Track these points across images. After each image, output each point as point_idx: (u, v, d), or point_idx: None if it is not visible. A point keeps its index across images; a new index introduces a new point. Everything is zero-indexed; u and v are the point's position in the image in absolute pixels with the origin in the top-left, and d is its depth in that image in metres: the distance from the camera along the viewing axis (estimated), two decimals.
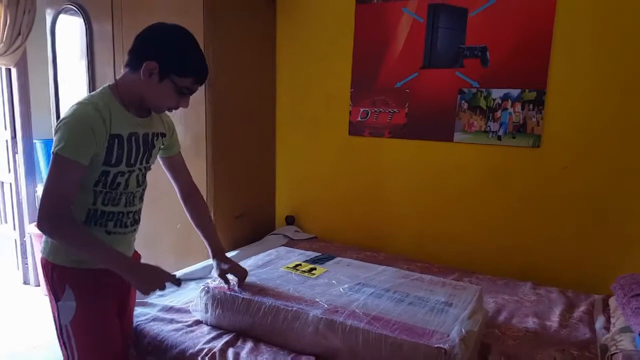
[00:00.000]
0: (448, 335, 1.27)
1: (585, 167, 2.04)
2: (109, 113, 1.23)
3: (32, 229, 3.23)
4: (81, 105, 1.22)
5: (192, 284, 1.86)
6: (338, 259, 1.90)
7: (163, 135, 1.43)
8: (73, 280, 1.28)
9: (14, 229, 3.40)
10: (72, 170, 1.18)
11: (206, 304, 1.56)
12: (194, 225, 1.60)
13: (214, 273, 1.61)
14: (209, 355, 1.39)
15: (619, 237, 2.01)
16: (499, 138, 2.19)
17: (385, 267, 1.82)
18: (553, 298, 1.88)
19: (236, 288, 1.55)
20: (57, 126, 1.20)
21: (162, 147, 1.46)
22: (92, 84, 2.68)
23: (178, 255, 2.44)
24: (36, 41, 3.06)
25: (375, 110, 2.47)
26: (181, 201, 1.60)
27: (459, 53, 2.22)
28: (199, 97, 2.19)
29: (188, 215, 1.60)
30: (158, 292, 1.34)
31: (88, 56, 2.66)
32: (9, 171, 3.35)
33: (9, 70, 3.17)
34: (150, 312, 1.63)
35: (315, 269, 1.75)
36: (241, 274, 1.58)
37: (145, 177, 1.41)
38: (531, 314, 1.72)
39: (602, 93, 1.97)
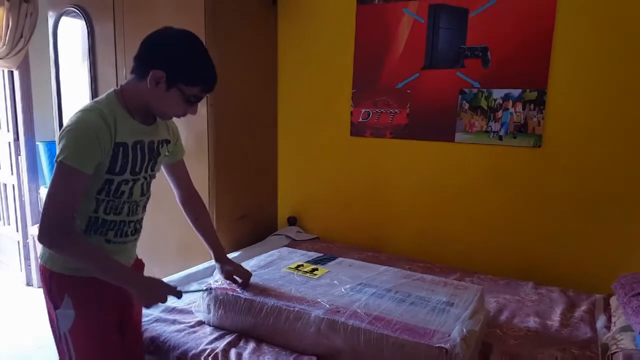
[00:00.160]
0: (449, 335, 1.28)
1: (586, 167, 2.04)
2: (114, 121, 1.20)
3: (34, 230, 3.25)
4: (86, 112, 1.19)
5: (195, 285, 1.87)
6: (340, 259, 1.91)
7: (168, 142, 1.41)
8: (72, 288, 1.26)
9: (17, 230, 3.41)
10: (77, 179, 1.15)
11: (208, 305, 1.56)
12: (194, 228, 1.59)
13: (217, 275, 1.62)
14: (211, 356, 1.40)
15: (620, 237, 2.01)
16: (500, 138, 2.19)
17: (386, 267, 1.83)
18: (554, 297, 1.88)
19: (239, 289, 1.55)
20: (61, 134, 1.17)
21: (166, 154, 1.43)
22: (94, 85, 2.69)
23: (181, 256, 2.45)
24: (38, 44, 3.07)
25: (377, 111, 2.48)
26: (180, 205, 1.58)
27: (459, 53, 2.22)
28: None
29: (188, 219, 1.59)
30: (160, 305, 1.33)
31: (90, 58, 2.67)
32: (12, 173, 3.36)
33: (11, 73, 3.19)
34: (153, 312, 1.63)
35: (317, 269, 1.75)
36: (245, 276, 1.58)
37: (149, 186, 1.38)
38: (532, 314, 1.72)
39: (602, 92, 1.98)
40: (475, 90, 2.21)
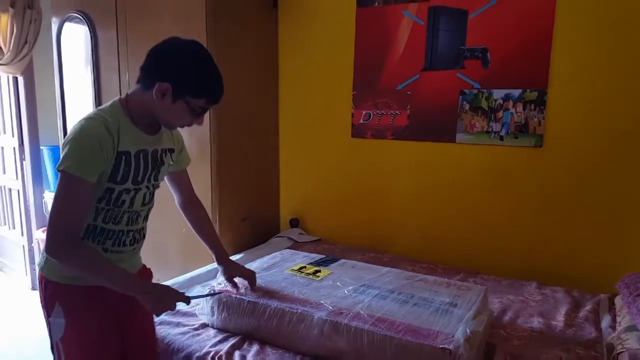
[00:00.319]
0: (453, 336, 1.28)
1: (588, 166, 2.04)
2: (117, 129, 1.19)
3: (39, 234, 3.27)
4: (89, 120, 1.18)
5: (198, 288, 1.88)
6: (342, 261, 1.91)
7: (172, 150, 1.39)
8: (63, 297, 1.24)
9: (22, 235, 3.44)
10: (80, 188, 1.14)
11: (212, 307, 1.57)
12: (195, 232, 1.58)
13: (220, 278, 1.62)
14: (215, 358, 1.41)
15: (625, 236, 2.00)
16: (501, 138, 2.19)
17: (389, 268, 1.83)
18: (558, 298, 1.88)
19: (244, 291, 1.55)
20: (65, 142, 1.16)
21: (171, 163, 1.41)
22: (97, 90, 2.71)
23: (184, 259, 2.46)
24: (42, 49, 3.10)
25: (378, 113, 2.48)
26: (180, 209, 1.57)
27: (459, 54, 2.23)
28: None
29: (188, 223, 1.57)
30: (170, 312, 1.33)
31: (93, 63, 2.69)
32: (17, 178, 3.39)
33: (16, 79, 3.22)
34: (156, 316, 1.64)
35: (319, 271, 1.76)
36: (250, 276, 1.58)
37: (152, 196, 1.36)
38: (536, 314, 1.72)
39: (603, 92, 1.98)
40: (475, 91, 2.22)
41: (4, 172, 3.57)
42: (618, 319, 1.62)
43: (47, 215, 1.16)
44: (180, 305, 1.34)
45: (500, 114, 2.18)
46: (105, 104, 1.26)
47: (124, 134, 1.21)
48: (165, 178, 1.49)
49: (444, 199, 2.37)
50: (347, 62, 2.53)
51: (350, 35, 2.50)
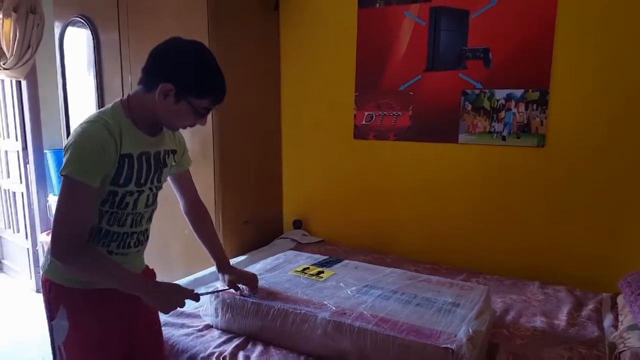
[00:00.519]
0: (455, 336, 1.28)
1: (590, 165, 2.04)
2: (119, 132, 1.18)
3: (44, 237, 3.28)
4: (90, 123, 1.17)
5: (202, 289, 1.88)
6: (346, 261, 1.91)
7: (174, 152, 1.39)
8: (67, 300, 1.24)
9: (26, 238, 3.45)
10: (85, 193, 1.13)
11: (216, 309, 1.58)
12: (197, 238, 1.57)
13: (221, 284, 1.61)
14: (219, 359, 1.41)
15: (627, 235, 2.00)
16: (504, 138, 2.19)
17: (392, 269, 1.83)
18: (561, 297, 1.88)
19: (248, 293, 1.55)
20: (66, 146, 1.14)
21: (173, 164, 1.40)
22: (100, 94, 2.72)
23: (188, 261, 2.47)
24: (45, 53, 3.12)
25: (380, 114, 2.49)
26: (185, 214, 1.56)
27: (461, 55, 2.23)
28: None
29: (192, 228, 1.57)
30: (179, 309, 1.32)
31: (96, 66, 2.71)
32: (21, 181, 3.41)
33: (19, 83, 3.24)
34: (161, 317, 1.64)
35: (323, 272, 1.76)
36: (251, 280, 1.57)
37: (155, 197, 1.36)
38: (539, 313, 1.72)
39: (604, 91, 1.98)
40: (477, 91, 2.22)
41: (8, 176, 3.59)
42: (620, 318, 1.62)
43: (51, 219, 1.16)
44: (188, 304, 1.34)
45: (503, 114, 2.18)
46: (107, 106, 1.25)
47: (126, 136, 1.20)
48: (169, 181, 1.49)
49: (446, 200, 2.38)
50: (349, 63, 2.54)
51: (352, 37, 2.51)
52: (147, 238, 1.40)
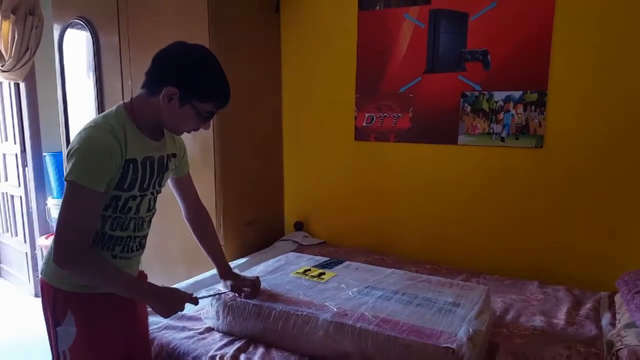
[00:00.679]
0: (456, 335, 1.29)
1: (588, 165, 2.05)
2: (124, 137, 1.18)
3: (42, 241, 3.27)
4: (96, 128, 1.16)
5: (203, 292, 1.89)
6: (347, 263, 1.92)
7: (175, 155, 1.39)
8: (76, 305, 1.23)
9: (25, 242, 3.44)
10: (90, 199, 1.13)
11: (217, 311, 1.58)
12: (199, 244, 1.57)
13: (222, 287, 1.61)
14: None
15: (624, 235, 2.02)
16: (502, 140, 2.21)
17: (393, 269, 1.84)
18: (560, 296, 1.89)
19: (249, 294, 1.56)
20: (70, 151, 1.13)
21: (173, 168, 1.40)
22: (100, 96, 2.72)
23: (189, 264, 2.47)
24: (44, 56, 3.11)
25: (380, 115, 2.50)
26: (186, 220, 1.56)
27: (460, 57, 2.25)
28: None
29: (194, 234, 1.56)
30: (176, 315, 1.33)
31: (95, 69, 2.71)
32: (19, 185, 3.39)
33: (18, 85, 3.23)
34: (162, 320, 1.65)
35: (324, 273, 1.77)
36: (253, 285, 1.57)
37: (155, 201, 1.36)
38: (538, 313, 1.74)
39: (602, 92, 1.99)
40: (476, 93, 2.24)
41: (7, 179, 3.58)
42: (618, 316, 1.63)
43: (50, 222, 1.16)
44: (188, 307, 1.35)
45: (501, 115, 2.19)
46: (110, 110, 1.25)
47: (131, 141, 1.20)
48: (170, 186, 1.49)
49: (446, 201, 2.39)
50: (350, 65, 2.55)
51: (352, 39, 2.52)
52: (146, 243, 1.40)
